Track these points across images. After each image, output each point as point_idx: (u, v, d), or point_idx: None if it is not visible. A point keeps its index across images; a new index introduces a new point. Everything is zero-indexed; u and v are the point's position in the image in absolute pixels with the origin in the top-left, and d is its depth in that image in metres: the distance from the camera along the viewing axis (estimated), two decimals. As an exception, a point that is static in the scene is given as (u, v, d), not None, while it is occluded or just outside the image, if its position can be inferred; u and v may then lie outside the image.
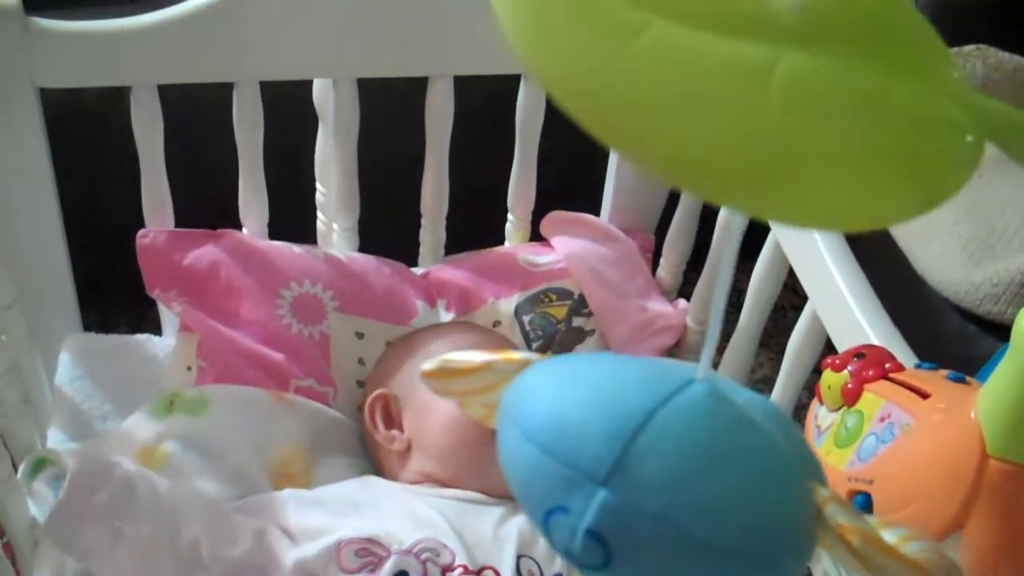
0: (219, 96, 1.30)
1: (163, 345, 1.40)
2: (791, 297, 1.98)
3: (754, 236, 1.28)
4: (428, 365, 0.70)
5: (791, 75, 0.50)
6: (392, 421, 1.24)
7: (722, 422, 0.62)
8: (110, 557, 1.04)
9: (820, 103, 0.50)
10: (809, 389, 1.14)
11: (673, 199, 1.45)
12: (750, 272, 1.27)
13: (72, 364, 1.36)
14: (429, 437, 1.20)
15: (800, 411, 1.23)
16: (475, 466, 1.16)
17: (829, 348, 1.05)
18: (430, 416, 1.20)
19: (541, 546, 1.12)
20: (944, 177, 0.53)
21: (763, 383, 2.07)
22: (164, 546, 1.05)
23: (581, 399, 0.61)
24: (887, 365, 0.84)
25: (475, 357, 0.69)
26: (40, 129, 1.25)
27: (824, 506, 0.61)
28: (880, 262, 1.08)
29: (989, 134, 0.52)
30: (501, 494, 1.17)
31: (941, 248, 1.44)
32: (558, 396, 0.62)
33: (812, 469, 0.65)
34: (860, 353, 0.86)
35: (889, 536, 0.62)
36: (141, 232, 1.32)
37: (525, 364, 0.67)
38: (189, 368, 1.29)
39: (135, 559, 1.04)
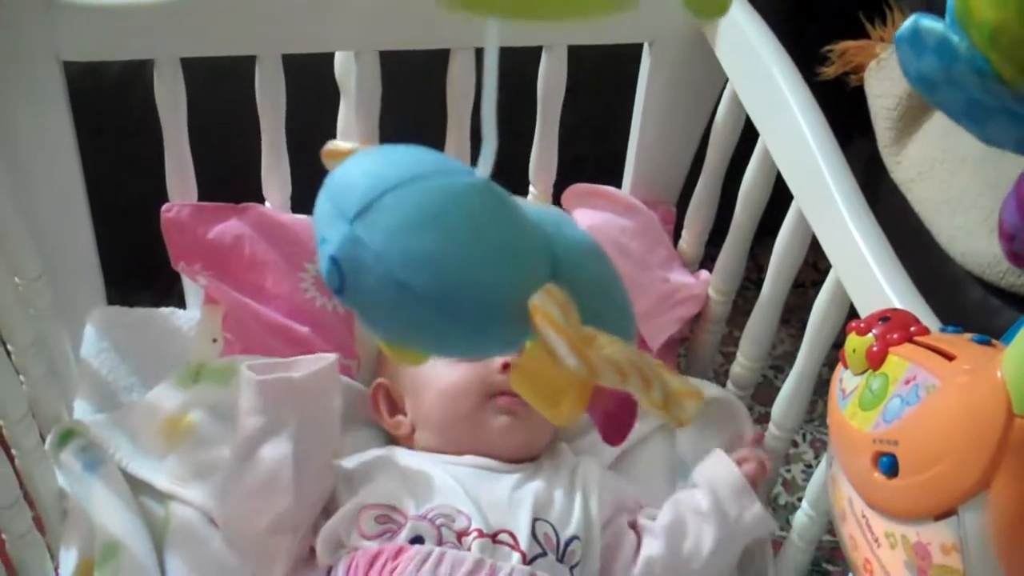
0: (241, 70, 1.31)
1: (187, 318, 1.40)
2: (812, 273, 1.98)
3: (773, 214, 1.29)
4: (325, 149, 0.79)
5: None
6: (395, 407, 1.26)
7: (474, 203, 0.72)
8: None
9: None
10: (830, 365, 1.14)
11: (695, 171, 1.45)
12: (771, 248, 1.27)
13: (97, 337, 1.37)
14: (426, 414, 1.23)
15: (822, 387, 1.23)
16: (470, 432, 1.20)
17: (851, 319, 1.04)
18: (423, 394, 1.23)
19: (556, 509, 1.13)
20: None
21: (783, 359, 2.07)
22: None
23: (369, 167, 0.73)
24: (912, 328, 0.84)
25: (347, 145, 0.79)
26: (64, 102, 1.26)
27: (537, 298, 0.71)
28: (902, 235, 1.07)
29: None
30: (513, 459, 1.19)
31: (964, 221, 1.43)
32: (355, 163, 0.73)
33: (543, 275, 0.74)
34: (885, 316, 0.86)
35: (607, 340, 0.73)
36: (165, 206, 1.33)
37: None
38: (215, 340, 1.30)
39: None
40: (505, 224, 0.74)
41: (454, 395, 1.21)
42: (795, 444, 1.99)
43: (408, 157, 0.75)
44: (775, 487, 1.31)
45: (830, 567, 1.83)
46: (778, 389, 1.28)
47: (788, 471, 1.95)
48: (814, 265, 1.99)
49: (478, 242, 0.72)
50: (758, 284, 1.32)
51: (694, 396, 0.78)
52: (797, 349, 1.23)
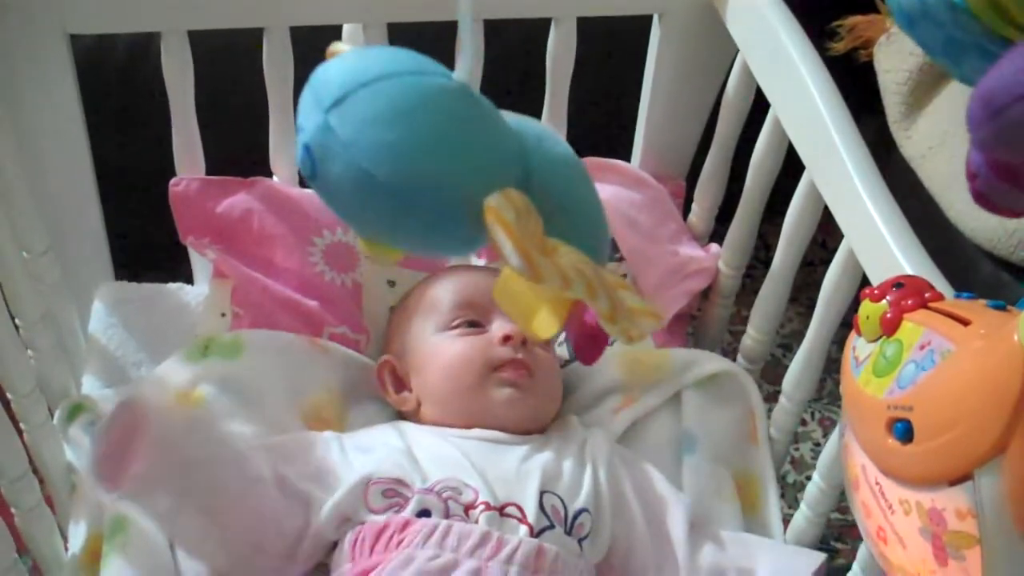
0: (248, 43, 1.30)
1: (196, 293, 1.40)
2: (820, 252, 1.97)
3: (781, 193, 1.28)
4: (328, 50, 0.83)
5: None
6: (401, 384, 1.25)
7: (445, 103, 0.76)
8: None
9: None
10: (838, 343, 1.14)
11: (704, 145, 1.44)
12: (778, 227, 1.26)
13: (106, 312, 1.37)
14: (431, 389, 1.22)
15: (831, 365, 1.23)
16: (475, 405, 1.19)
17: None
18: (428, 369, 1.23)
19: (565, 482, 1.13)
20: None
21: (792, 338, 2.06)
22: None
23: (350, 63, 0.77)
24: (927, 294, 0.83)
25: (345, 46, 0.83)
26: (72, 77, 1.25)
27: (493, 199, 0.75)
28: (912, 210, 1.07)
29: None
30: (520, 431, 1.18)
31: (974, 196, 1.43)
32: (340, 59, 0.78)
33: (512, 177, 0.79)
34: (899, 283, 0.85)
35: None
36: (173, 180, 1.32)
37: None
38: (223, 314, 1.30)
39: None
40: (474, 126, 0.78)
41: (457, 368, 1.20)
42: (804, 423, 1.99)
43: (388, 56, 0.79)
44: (783, 465, 1.30)
45: (839, 545, 1.83)
46: (786, 367, 1.27)
47: (796, 449, 1.95)
48: (823, 244, 1.99)
49: (442, 140, 0.75)
50: (766, 263, 1.31)
51: (651, 316, 0.83)
52: (805, 328, 1.23)
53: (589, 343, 0.94)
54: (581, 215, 0.86)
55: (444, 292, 1.27)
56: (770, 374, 1.32)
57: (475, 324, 1.24)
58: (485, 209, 0.74)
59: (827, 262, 1.17)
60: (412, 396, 1.24)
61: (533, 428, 1.21)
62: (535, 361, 1.21)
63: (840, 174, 1.07)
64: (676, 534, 1.15)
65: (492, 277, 1.30)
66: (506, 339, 1.20)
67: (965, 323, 0.78)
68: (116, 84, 1.60)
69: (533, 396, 1.21)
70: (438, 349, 1.23)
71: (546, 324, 0.84)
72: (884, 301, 0.85)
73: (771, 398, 1.32)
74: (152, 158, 1.38)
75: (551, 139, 0.86)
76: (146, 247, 1.50)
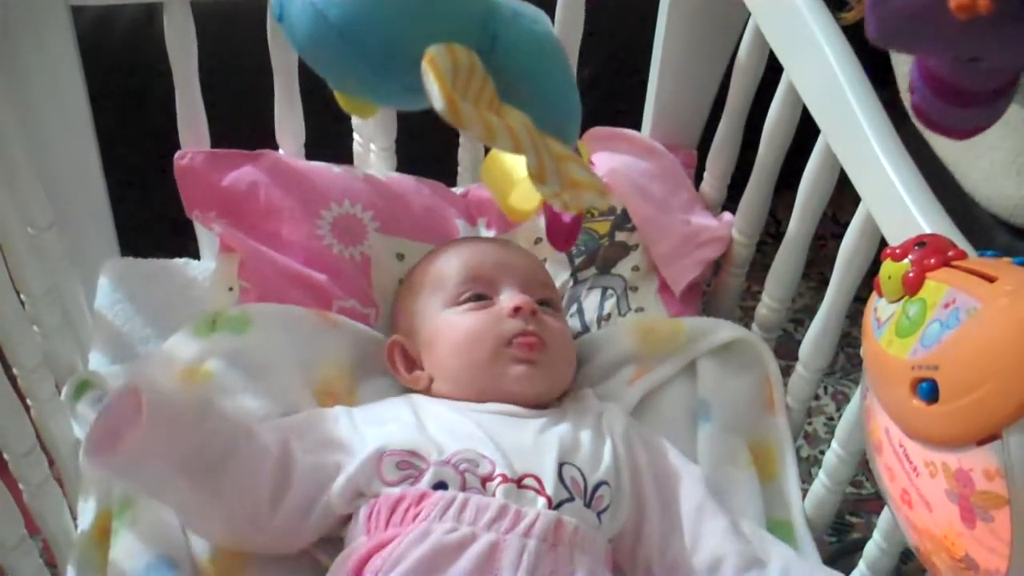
0: (251, 16, 1.29)
1: (202, 268, 1.39)
2: (831, 226, 1.96)
3: (791, 164, 1.27)
4: None
5: None
6: (412, 363, 1.24)
7: None
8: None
9: None
10: (851, 318, 1.12)
11: (715, 114, 1.43)
12: (788, 201, 1.25)
13: (111, 288, 1.35)
14: (443, 366, 1.21)
15: (843, 340, 1.21)
16: (489, 381, 1.18)
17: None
18: (438, 347, 1.21)
19: (584, 453, 1.11)
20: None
21: (804, 312, 2.05)
22: None
23: None
24: (949, 253, 0.82)
25: None
26: (74, 50, 1.24)
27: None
28: (927, 180, 1.05)
29: None
30: (535, 405, 1.17)
31: (989, 165, 1.41)
32: None
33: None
34: (921, 242, 0.84)
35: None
36: (178, 154, 1.31)
37: None
38: (231, 289, 1.29)
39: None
40: None
41: (469, 345, 1.19)
42: (817, 397, 1.98)
43: None
44: (797, 439, 1.29)
45: (853, 519, 1.82)
46: (798, 343, 1.26)
47: (810, 424, 1.94)
48: (833, 217, 1.97)
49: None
50: (777, 238, 1.30)
51: (595, 189, 0.88)
52: (817, 303, 1.22)
53: (559, 225, 1.05)
54: (547, 91, 0.91)
55: (448, 266, 1.26)
56: (782, 350, 1.31)
57: (483, 297, 1.22)
58: (425, 58, 0.79)
59: (838, 236, 1.16)
60: (424, 375, 1.22)
61: (548, 401, 1.20)
62: (546, 331, 1.20)
63: (856, 135, 1.06)
64: (685, 508, 1.14)
65: (496, 247, 1.29)
66: (516, 311, 1.19)
67: (990, 280, 0.76)
68: (119, 63, 1.59)
69: (547, 368, 1.20)
70: (447, 326, 1.21)
71: (524, 198, 0.94)
72: (906, 260, 0.83)
73: (784, 373, 1.31)
74: (155, 136, 1.37)
75: (530, 17, 0.91)
76: (148, 226, 1.49)
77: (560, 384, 1.23)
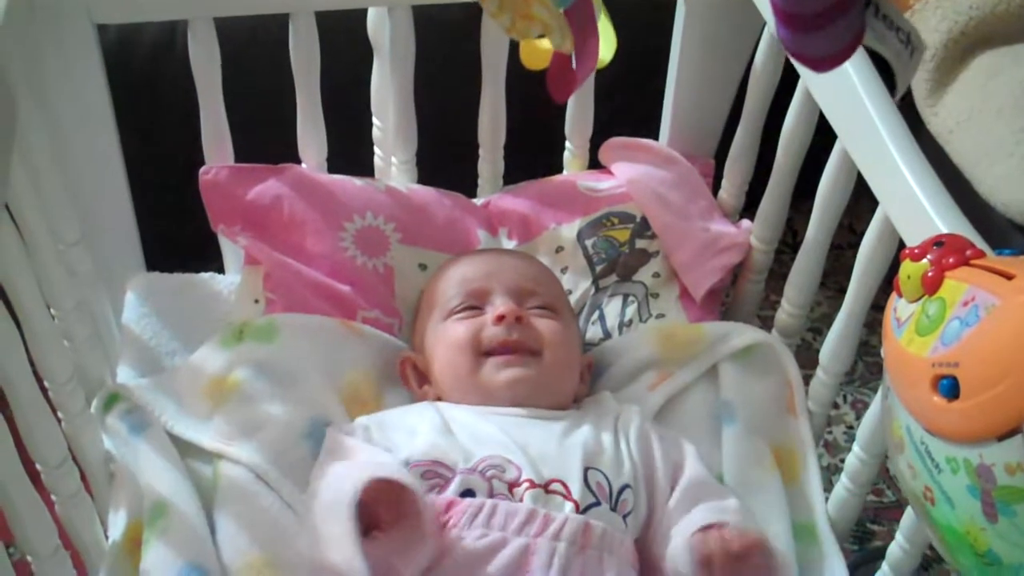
0: (274, 31, 1.30)
1: (227, 282, 1.40)
2: (849, 236, 1.96)
3: (807, 175, 1.28)
4: None
5: None
6: (423, 377, 1.26)
7: None
8: None
9: None
10: (869, 326, 1.13)
11: (732, 123, 1.43)
12: (804, 212, 1.26)
13: (138, 303, 1.37)
14: (439, 377, 1.24)
15: (861, 348, 1.22)
16: (479, 388, 1.19)
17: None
18: (434, 359, 1.24)
19: (607, 457, 1.12)
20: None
21: (822, 321, 2.05)
22: None
23: None
24: (968, 252, 0.83)
25: None
26: (99, 67, 1.26)
27: None
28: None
29: None
30: (545, 406, 1.18)
31: (1004, 169, 1.42)
32: None
33: None
34: (939, 242, 0.85)
35: None
36: (203, 168, 1.32)
37: None
38: (257, 301, 1.30)
39: None
40: None
41: (452, 354, 1.21)
42: (836, 406, 1.98)
43: None
44: (818, 444, 1.30)
45: (875, 527, 1.82)
46: (817, 351, 1.27)
47: (830, 432, 1.94)
48: (850, 227, 1.98)
49: None
50: (793, 248, 1.30)
51: (549, 26, 0.98)
52: (835, 311, 1.22)
53: (561, 82, 1.13)
54: None
55: (445, 281, 1.29)
56: (801, 359, 1.31)
57: (475, 307, 1.24)
58: None
59: (856, 246, 1.17)
60: (431, 388, 1.24)
61: (555, 403, 1.21)
62: (536, 336, 1.21)
63: (873, 138, 1.07)
64: (677, 489, 1.15)
65: (491, 257, 1.32)
66: (499, 319, 1.21)
67: (1009, 277, 0.77)
68: (142, 81, 1.61)
69: (539, 370, 1.20)
70: (440, 337, 1.24)
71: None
72: (925, 260, 0.84)
73: (804, 382, 1.31)
74: (179, 154, 1.39)
75: None
76: (174, 243, 1.51)
77: (559, 385, 1.23)
